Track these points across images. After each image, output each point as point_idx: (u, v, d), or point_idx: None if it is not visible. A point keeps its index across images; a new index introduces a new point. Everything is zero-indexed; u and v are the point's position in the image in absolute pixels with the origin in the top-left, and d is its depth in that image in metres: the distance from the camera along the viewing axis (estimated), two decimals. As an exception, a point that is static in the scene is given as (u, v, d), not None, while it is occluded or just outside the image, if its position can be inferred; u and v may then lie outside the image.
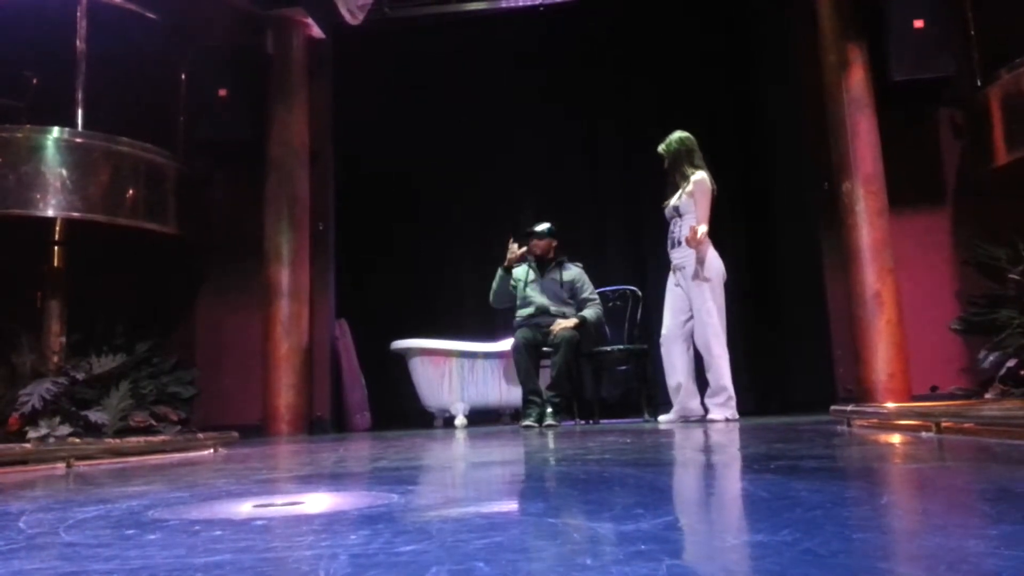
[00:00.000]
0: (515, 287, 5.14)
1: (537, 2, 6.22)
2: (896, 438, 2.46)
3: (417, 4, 6.21)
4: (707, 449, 2.54)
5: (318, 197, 5.87)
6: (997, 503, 1.13)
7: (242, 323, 5.67)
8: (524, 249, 5.10)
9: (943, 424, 2.40)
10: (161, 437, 3.82)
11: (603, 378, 5.44)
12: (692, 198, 4.47)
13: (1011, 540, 0.81)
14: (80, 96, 4.77)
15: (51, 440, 3.82)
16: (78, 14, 4.86)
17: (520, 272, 5.18)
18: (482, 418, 5.90)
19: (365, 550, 0.91)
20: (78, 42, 4.83)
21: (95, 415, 4.33)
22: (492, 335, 6.05)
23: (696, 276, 4.41)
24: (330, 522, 1.19)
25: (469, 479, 1.94)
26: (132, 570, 0.87)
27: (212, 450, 3.40)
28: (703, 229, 4.37)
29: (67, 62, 4.80)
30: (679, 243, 4.51)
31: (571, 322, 4.88)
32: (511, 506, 1.42)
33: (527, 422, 4.60)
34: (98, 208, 4.67)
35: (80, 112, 4.76)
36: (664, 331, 4.63)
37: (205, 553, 0.94)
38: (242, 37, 5.82)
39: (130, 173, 4.87)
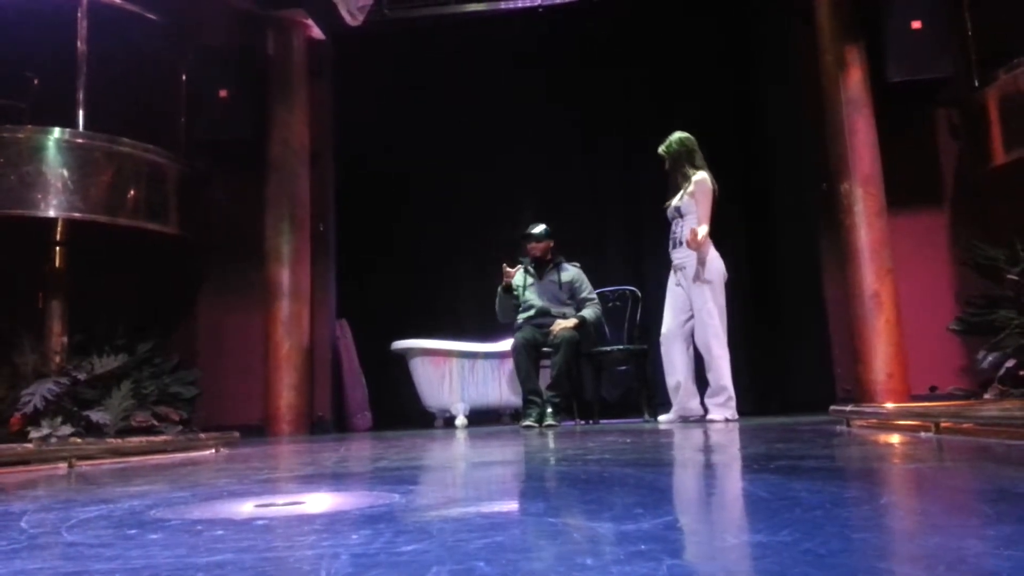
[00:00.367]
0: (517, 295, 5.15)
1: (536, 3, 6.22)
2: (895, 438, 2.46)
3: (417, 5, 6.21)
4: (707, 449, 2.55)
5: (318, 197, 5.88)
6: (996, 503, 1.14)
7: (243, 323, 5.67)
8: (517, 268, 5.12)
9: (942, 424, 2.41)
10: (163, 437, 3.83)
11: (603, 378, 5.45)
12: (693, 198, 4.47)
13: (1010, 540, 0.81)
14: (81, 97, 4.78)
15: (53, 440, 3.82)
16: (79, 15, 4.86)
17: (518, 279, 5.19)
18: (482, 418, 5.90)
19: (366, 550, 0.91)
20: (79, 43, 4.84)
21: (97, 415, 4.33)
22: (492, 335, 6.05)
23: (697, 277, 4.41)
24: (331, 522, 1.20)
25: (470, 479, 1.94)
26: (134, 570, 0.87)
27: (214, 450, 3.41)
28: (703, 231, 4.37)
29: (68, 63, 4.80)
30: (680, 243, 4.52)
31: (571, 322, 4.89)
32: (512, 506, 1.43)
33: (527, 422, 4.60)
34: (99, 209, 4.67)
35: (81, 113, 4.76)
36: (664, 330, 4.63)
37: (207, 553, 0.95)
38: (243, 38, 5.82)
39: (131, 174, 4.87)
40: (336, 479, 2.00)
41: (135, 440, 3.48)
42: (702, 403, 4.49)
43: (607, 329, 5.44)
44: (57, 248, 4.86)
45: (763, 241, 6.56)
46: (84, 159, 4.66)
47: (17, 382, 4.45)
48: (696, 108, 6.41)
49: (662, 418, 4.65)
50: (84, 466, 2.80)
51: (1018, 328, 4.34)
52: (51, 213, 4.54)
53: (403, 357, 5.89)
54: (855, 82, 5.01)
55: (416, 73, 6.88)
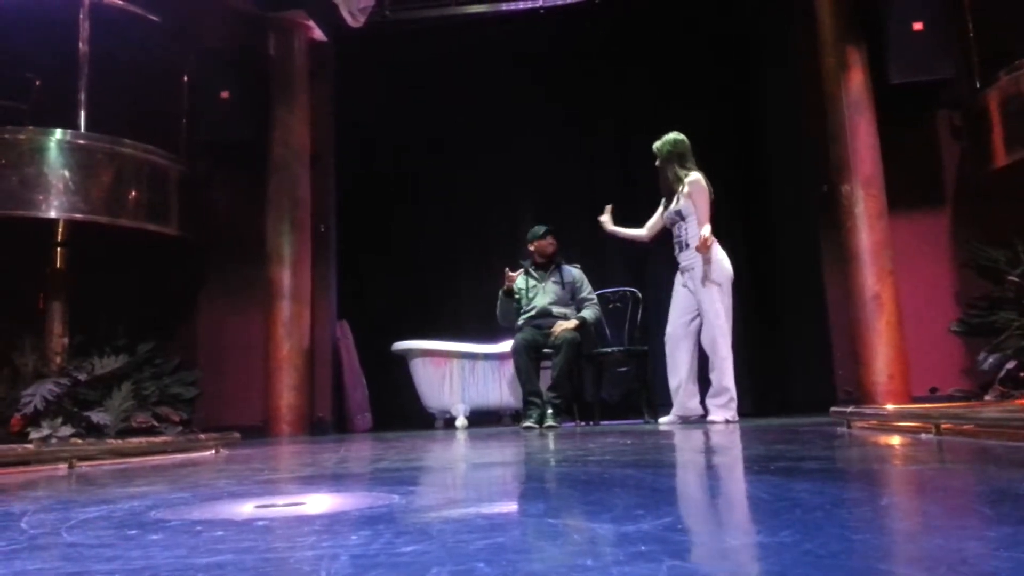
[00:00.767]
0: (519, 299, 5.15)
1: (537, 4, 6.22)
2: (896, 440, 2.46)
3: (417, 7, 6.22)
4: (707, 450, 2.54)
5: (319, 198, 5.88)
6: (996, 505, 1.14)
7: (244, 324, 5.67)
8: (519, 272, 5.12)
9: (943, 426, 2.40)
10: (163, 438, 3.83)
11: (603, 379, 5.44)
12: (691, 199, 4.47)
13: (1010, 542, 0.81)
14: (83, 98, 4.79)
15: (53, 441, 3.83)
16: (81, 16, 4.87)
17: (520, 282, 5.19)
18: (483, 419, 5.90)
19: (366, 551, 0.91)
20: (81, 44, 4.85)
21: (97, 416, 4.33)
22: (492, 336, 6.05)
23: (706, 277, 4.41)
24: (331, 523, 1.20)
25: (470, 480, 1.94)
26: (134, 570, 0.87)
27: (214, 451, 3.41)
28: (707, 231, 4.36)
29: (70, 64, 4.81)
30: (687, 246, 4.51)
31: (572, 323, 4.89)
32: (512, 507, 1.43)
33: (527, 423, 4.60)
34: (100, 210, 4.68)
35: (83, 114, 4.77)
36: (669, 330, 4.63)
37: (207, 553, 0.95)
38: (244, 39, 5.83)
39: (132, 175, 4.88)
40: (336, 480, 2.00)
41: (135, 441, 3.48)
42: (702, 403, 4.48)
43: (607, 330, 5.44)
44: (58, 249, 4.88)
45: (764, 242, 6.56)
46: (85, 160, 4.67)
47: (18, 383, 4.46)
48: (696, 109, 6.42)
49: (662, 420, 4.65)
50: (84, 467, 2.80)
51: (1019, 330, 4.34)
52: (52, 214, 4.55)
53: (403, 358, 5.89)
54: (856, 83, 5.01)
55: (417, 74, 6.88)
